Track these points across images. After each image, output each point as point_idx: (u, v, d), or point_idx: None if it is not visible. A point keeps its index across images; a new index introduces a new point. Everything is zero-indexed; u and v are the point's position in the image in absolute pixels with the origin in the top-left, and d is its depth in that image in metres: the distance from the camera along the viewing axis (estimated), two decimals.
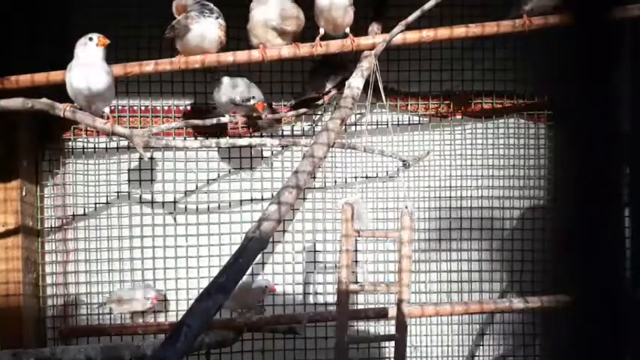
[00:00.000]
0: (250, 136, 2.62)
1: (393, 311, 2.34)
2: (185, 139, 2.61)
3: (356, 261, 2.59)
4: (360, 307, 2.61)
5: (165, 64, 2.22)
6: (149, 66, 2.21)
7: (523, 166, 2.70)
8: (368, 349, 2.63)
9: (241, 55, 2.22)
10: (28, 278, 2.42)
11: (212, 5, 2.20)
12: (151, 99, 2.62)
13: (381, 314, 2.41)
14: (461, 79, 2.70)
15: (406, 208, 2.01)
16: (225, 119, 2.43)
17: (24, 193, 2.41)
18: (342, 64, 2.49)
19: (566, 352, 0.70)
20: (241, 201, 2.67)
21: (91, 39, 2.02)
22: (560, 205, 0.71)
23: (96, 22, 2.22)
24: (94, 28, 2.14)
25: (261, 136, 2.63)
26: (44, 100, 2.07)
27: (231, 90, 2.38)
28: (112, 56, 2.14)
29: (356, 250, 2.60)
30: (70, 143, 2.58)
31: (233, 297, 2.35)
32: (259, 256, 1.93)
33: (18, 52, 2.31)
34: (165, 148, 2.55)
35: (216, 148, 2.62)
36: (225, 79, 2.40)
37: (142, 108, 2.63)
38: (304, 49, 2.21)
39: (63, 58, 2.08)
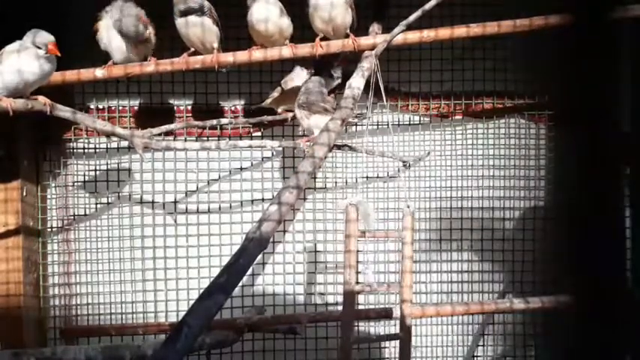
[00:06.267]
0: (251, 138, 2.62)
1: (394, 311, 2.34)
2: (185, 139, 2.61)
3: (358, 261, 2.59)
4: (361, 307, 2.61)
5: (165, 65, 2.22)
6: (150, 66, 2.21)
7: (523, 166, 2.70)
8: (369, 349, 2.62)
9: (241, 55, 2.22)
10: (29, 278, 2.42)
11: None
12: (151, 99, 2.62)
13: (382, 314, 2.41)
14: (461, 79, 2.70)
15: (408, 207, 2.00)
16: (225, 120, 2.43)
17: (25, 194, 2.41)
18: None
19: (566, 352, 0.70)
20: (242, 201, 2.67)
21: None
22: (560, 205, 0.71)
23: (92, 22, 2.23)
24: (91, 28, 2.15)
25: (262, 137, 2.64)
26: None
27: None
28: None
29: (358, 251, 2.60)
30: (70, 144, 2.58)
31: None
32: (260, 256, 1.93)
33: None
34: (166, 149, 2.54)
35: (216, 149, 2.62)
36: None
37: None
38: (304, 50, 2.21)
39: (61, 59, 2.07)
